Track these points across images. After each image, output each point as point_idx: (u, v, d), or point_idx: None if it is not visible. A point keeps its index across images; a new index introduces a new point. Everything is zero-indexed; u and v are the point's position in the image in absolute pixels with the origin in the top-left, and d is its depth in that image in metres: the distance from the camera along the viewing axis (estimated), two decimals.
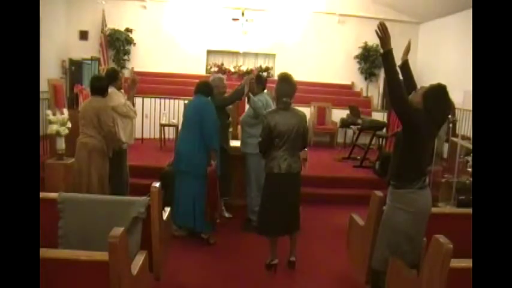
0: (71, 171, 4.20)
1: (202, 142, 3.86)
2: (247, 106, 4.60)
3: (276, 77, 10.17)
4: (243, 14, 9.97)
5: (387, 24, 2.49)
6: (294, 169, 3.34)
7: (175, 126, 7.33)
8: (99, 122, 3.78)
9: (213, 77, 4.61)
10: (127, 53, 9.82)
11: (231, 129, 5.11)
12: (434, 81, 2.67)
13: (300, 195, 3.48)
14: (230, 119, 4.77)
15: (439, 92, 2.55)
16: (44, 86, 5.52)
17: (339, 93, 10.04)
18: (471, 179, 4.39)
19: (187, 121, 4.01)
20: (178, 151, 4.01)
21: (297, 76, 3.97)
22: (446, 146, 5.59)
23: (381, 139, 7.48)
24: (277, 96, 3.39)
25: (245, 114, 4.50)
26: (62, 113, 4.91)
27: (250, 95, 4.24)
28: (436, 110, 2.51)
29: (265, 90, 4.50)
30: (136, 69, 9.78)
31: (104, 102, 3.88)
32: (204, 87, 4.10)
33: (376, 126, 6.97)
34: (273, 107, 4.20)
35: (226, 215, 4.72)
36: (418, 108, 2.53)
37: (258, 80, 4.46)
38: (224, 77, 4.75)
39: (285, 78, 3.40)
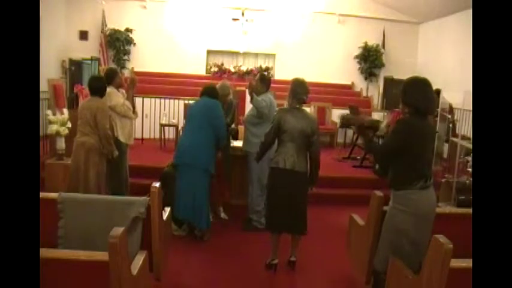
0: (68, 170, 4.20)
1: (209, 138, 3.94)
2: (248, 106, 4.60)
3: (276, 77, 10.23)
4: (243, 14, 9.97)
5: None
6: (299, 168, 3.37)
7: (175, 126, 7.33)
8: (95, 123, 3.79)
9: (219, 84, 4.62)
10: (127, 53, 9.82)
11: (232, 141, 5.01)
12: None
13: (306, 196, 3.49)
14: (233, 125, 4.74)
15: (412, 81, 2.57)
16: (44, 86, 5.52)
17: (339, 93, 10.05)
18: (471, 179, 4.39)
19: (194, 117, 4.04)
20: (182, 145, 4.04)
21: (297, 76, 3.98)
22: (446, 146, 5.59)
23: (381, 139, 7.48)
24: (292, 95, 3.49)
25: (249, 114, 4.49)
26: (62, 113, 4.91)
27: (254, 95, 4.24)
28: (418, 98, 2.48)
29: (269, 91, 4.48)
30: (136, 69, 9.79)
31: (101, 102, 3.88)
32: (210, 91, 4.19)
33: (376, 126, 6.96)
34: (276, 107, 4.23)
35: (222, 215, 4.70)
36: (403, 122, 2.55)
37: (262, 80, 4.44)
38: (229, 83, 4.77)
39: (300, 81, 3.56)
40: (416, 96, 2.50)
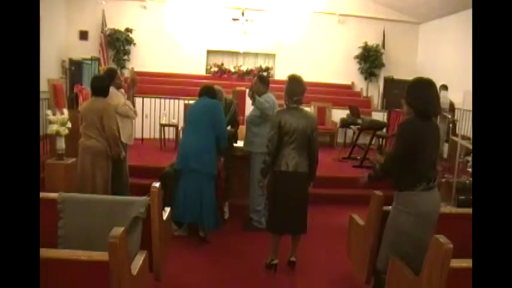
0: (74, 173, 4.17)
1: (213, 141, 3.89)
2: (248, 106, 4.58)
3: (276, 77, 10.23)
4: (243, 14, 9.97)
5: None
6: (301, 168, 3.35)
7: (175, 126, 7.34)
8: (101, 125, 3.75)
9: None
10: (127, 53, 9.83)
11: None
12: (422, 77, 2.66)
13: (308, 196, 3.48)
14: (229, 127, 4.70)
15: (416, 82, 2.56)
16: (44, 86, 5.52)
17: (339, 93, 10.06)
18: (471, 179, 4.39)
19: (196, 119, 3.97)
20: (185, 147, 3.96)
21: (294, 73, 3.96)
22: (446, 146, 5.60)
23: (380, 139, 7.49)
24: (288, 96, 3.41)
25: (251, 113, 4.46)
26: (62, 113, 4.91)
27: (256, 96, 4.22)
28: (421, 99, 2.48)
29: (269, 90, 4.46)
30: (136, 69, 9.79)
31: (106, 103, 3.84)
32: (209, 91, 4.14)
33: (376, 126, 6.97)
34: (278, 107, 4.21)
35: (226, 216, 4.69)
36: (407, 124, 2.53)
37: (262, 80, 4.42)
38: (224, 90, 4.75)
39: (296, 79, 3.45)
40: (420, 97, 2.49)
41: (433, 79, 2.61)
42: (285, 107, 3.50)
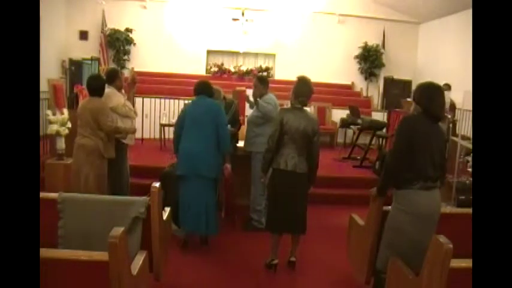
0: (70, 171, 4.19)
1: (214, 142, 3.77)
2: (248, 107, 4.56)
3: (276, 77, 10.23)
4: (243, 14, 9.97)
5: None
6: (300, 169, 3.36)
7: None
8: (96, 124, 3.74)
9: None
10: (127, 53, 9.82)
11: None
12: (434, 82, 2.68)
13: (307, 197, 3.48)
14: (229, 126, 4.67)
15: (428, 87, 2.59)
16: (44, 86, 5.52)
17: (339, 93, 10.05)
18: (471, 179, 4.39)
19: (197, 121, 3.80)
20: (185, 150, 3.79)
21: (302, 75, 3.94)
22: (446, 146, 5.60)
23: (380, 139, 7.48)
24: (294, 96, 3.45)
25: (252, 114, 4.45)
26: (62, 113, 4.91)
27: (258, 100, 4.20)
28: (429, 97, 2.53)
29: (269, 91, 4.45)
30: (136, 69, 9.78)
31: (101, 103, 3.83)
32: (206, 89, 4.00)
33: (376, 126, 6.97)
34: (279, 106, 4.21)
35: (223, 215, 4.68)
36: (404, 120, 2.60)
37: (262, 81, 4.40)
38: (222, 90, 4.71)
39: (304, 80, 3.50)
40: (426, 96, 2.53)
41: (433, 79, 2.64)
42: (286, 106, 3.51)
